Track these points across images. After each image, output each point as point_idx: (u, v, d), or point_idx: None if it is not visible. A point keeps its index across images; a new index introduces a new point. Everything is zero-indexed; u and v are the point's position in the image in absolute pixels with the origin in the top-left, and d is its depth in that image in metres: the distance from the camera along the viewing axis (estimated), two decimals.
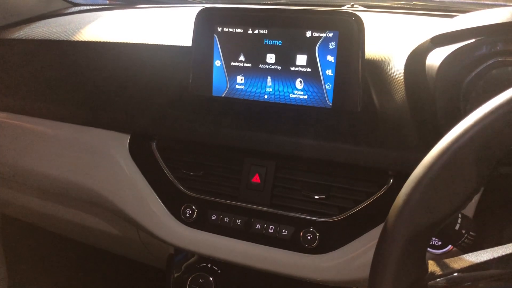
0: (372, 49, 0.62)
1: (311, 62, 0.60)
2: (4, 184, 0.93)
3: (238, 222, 0.67)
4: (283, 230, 0.65)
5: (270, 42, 0.62)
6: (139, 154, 0.73)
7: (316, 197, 0.64)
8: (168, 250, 0.83)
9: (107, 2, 1.35)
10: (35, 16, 1.09)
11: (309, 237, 0.63)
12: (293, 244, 0.64)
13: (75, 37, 0.88)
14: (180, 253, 0.80)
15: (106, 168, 0.74)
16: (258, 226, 0.66)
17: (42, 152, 0.80)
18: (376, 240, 0.36)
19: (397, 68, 0.60)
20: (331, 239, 0.63)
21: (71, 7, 1.17)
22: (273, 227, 0.65)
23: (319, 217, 0.64)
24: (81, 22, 0.97)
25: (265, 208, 0.66)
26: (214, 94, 0.67)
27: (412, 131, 0.57)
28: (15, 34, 1.00)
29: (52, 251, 1.36)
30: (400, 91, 0.58)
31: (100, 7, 1.17)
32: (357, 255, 0.62)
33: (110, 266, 1.34)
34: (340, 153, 0.61)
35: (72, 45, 0.88)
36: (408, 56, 0.59)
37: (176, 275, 0.81)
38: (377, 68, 0.61)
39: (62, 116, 0.78)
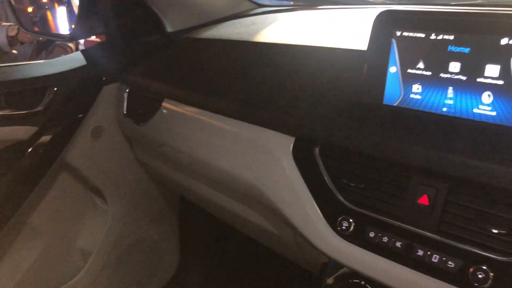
0: None
1: (505, 73, 0.51)
2: (182, 170, 1.03)
3: (398, 244, 0.61)
4: (449, 262, 0.57)
5: (456, 49, 0.55)
6: (301, 157, 0.72)
7: (494, 231, 0.55)
8: (321, 255, 0.81)
9: (291, 3, 1.38)
10: (224, 17, 1.18)
11: (480, 276, 0.55)
12: (460, 281, 0.56)
13: (255, 38, 0.92)
14: (333, 261, 0.78)
15: (269, 166, 0.75)
16: (421, 253, 0.59)
17: (215, 145, 0.85)
18: None
19: None
20: (509, 283, 0.53)
21: (256, 8, 1.23)
22: (437, 256, 0.58)
23: (495, 254, 0.54)
24: (262, 23, 1.01)
25: (430, 234, 0.59)
26: (385, 102, 0.62)
27: None
28: (205, 33, 1.09)
29: (218, 236, 1.47)
30: None
31: (283, 8, 1.21)
32: None
33: (265, 261, 1.39)
34: None
35: (253, 45, 0.92)
36: None
37: (328, 283, 0.79)
38: None
39: (237, 114, 0.82)
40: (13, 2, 1.29)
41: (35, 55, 1.92)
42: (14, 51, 1.78)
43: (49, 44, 1.96)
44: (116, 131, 1.16)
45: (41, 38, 1.71)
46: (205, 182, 0.99)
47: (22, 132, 1.01)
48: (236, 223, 1.10)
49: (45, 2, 1.33)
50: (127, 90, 1.10)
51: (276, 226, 0.90)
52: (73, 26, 1.21)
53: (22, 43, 1.76)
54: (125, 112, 1.10)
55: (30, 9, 1.30)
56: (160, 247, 1.44)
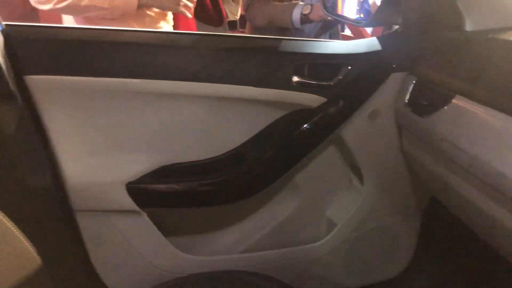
0: None
1: None
2: (456, 170, 0.99)
3: None
4: None
5: None
6: None
7: None
8: None
9: None
10: None
11: None
12: None
13: None
14: None
15: None
16: None
17: (505, 149, 0.80)
18: None
19: None
20: None
21: None
22: None
23: None
24: None
25: None
26: None
27: None
28: (507, 36, 1.01)
29: (458, 243, 1.39)
30: None
31: None
32: None
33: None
34: None
35: None
36: None
37: None
38: None
39: None
40: None
41: (319, 34, 2.10)
42: (301, 29, 1.98)
43: (332, 26, 2.12)
44: (390, 118, 1.19)
45: (329, 18, 1.84)
46: (477, 186, 0.94)
47: (312, 99, 1.13)
48: (494, 235, 1.01)
49: None
50: (414, 81, 1.11)
51: None
52: (360, 15, 1.30)
53: (311, 21, 1.93)
54: (406, 101, 1.12)
55: None
56: (397, 241, 1.44)
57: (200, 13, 1.82)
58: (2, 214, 0.83)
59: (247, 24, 2.17)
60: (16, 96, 0.98)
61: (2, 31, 0.99)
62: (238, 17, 2.34)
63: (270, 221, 1.35)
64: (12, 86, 0.98)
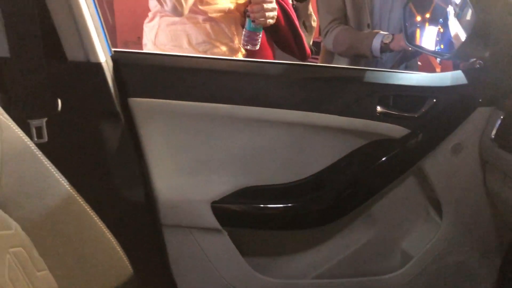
0: None
1: None
2: None
3: None
4: None
5: None
6: None
7: None
8: None
9: None
10: None
11: None
12: None
13: None
14: None
15: None
16: None
17: None
18: None
19: None
20: None
21: None
22: None
23: None
24: None
25: None
26: None
27: None
28: None
29: None
30: None
31: None
32: None
33: None
34: None
35: None
36: None
37: None
38: None
39: None
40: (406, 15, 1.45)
41: (397, 65, 2.11)
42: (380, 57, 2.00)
43: (412, 57, 2.12)
44: (474, 152, 1.18)
45: (409, 49, 1.85)
46: None
47: (395, 130, 1.15)
48: None
49: (428, 19, 1.45)
50: (501, 116, 1.10)
51: None
52: (440, 46, 1.29)
53: (391, 51, 1.95)
54: (492, 136, 1.11)
55: (418, 18, 1.44)
56: (475, 279, 1.39)
57: (284, 48, 1.90)
58: (103, 224, 0.91)
59: (322, 49, 2.23)
60: (120, 116, 1.08)
61: (112, 57, 1.09)
62: (311, 47, 2.40)
63: (343, 249, 1.36)
64: (118, 106, 1.07)
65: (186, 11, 1.46)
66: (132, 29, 3.08)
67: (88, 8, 1.00)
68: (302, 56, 1.95)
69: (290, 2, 2.10)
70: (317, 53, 2.50)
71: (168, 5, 1.42)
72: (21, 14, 0.90)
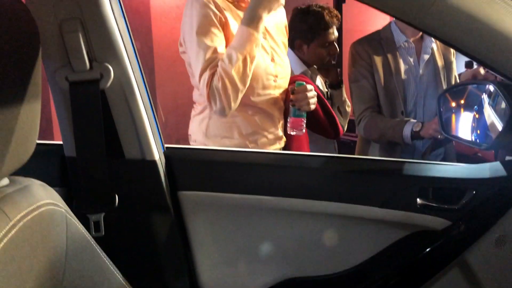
0: None
1: None
2: None
3: None
4: None
5: None
6: None
7: None
8: None
9: None
10: None
11: None
12: None
13: None
14: None
15: None
16: None
17: None
18: None
19: None
20: None
21: None
22: None
23: None
24: None
25: None
26: None
27: None
28: None
29: None
30: None
31: None
32: None
33: None
34: None
35: None
36: None
37: None
38: None
39: None
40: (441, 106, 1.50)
41: (429, 151, 2.14)
42: (412, 144, 2.03)
43: (444, 144, 2.15)
44: None
45: (439, 136, 1.88)
46: None
47: (436, 222, 1.16)
48: None
49: (463, 108, 1.49)
50: None
51: None
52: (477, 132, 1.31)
53: (422, 138, 1.98)
54: None
55: (453, 107, 1.46)
56: None
57: (316, 128, 1.95)
58: None
59: (358, 137, 2.28)
60: (170, 209, 1.14)
61: (164, 153, 1.18)
62: (345, 130, 2.46)
63: None
64: (168, 200, 1.14)
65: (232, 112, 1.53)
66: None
67: (146, 109, 1.10)
68: (336, 134, 2.00)
69: (323, 89, 2.20)
70: (351, 129, 2.57)
71: (218, 106, 1.48)
72: (88, 118, 1.00)
